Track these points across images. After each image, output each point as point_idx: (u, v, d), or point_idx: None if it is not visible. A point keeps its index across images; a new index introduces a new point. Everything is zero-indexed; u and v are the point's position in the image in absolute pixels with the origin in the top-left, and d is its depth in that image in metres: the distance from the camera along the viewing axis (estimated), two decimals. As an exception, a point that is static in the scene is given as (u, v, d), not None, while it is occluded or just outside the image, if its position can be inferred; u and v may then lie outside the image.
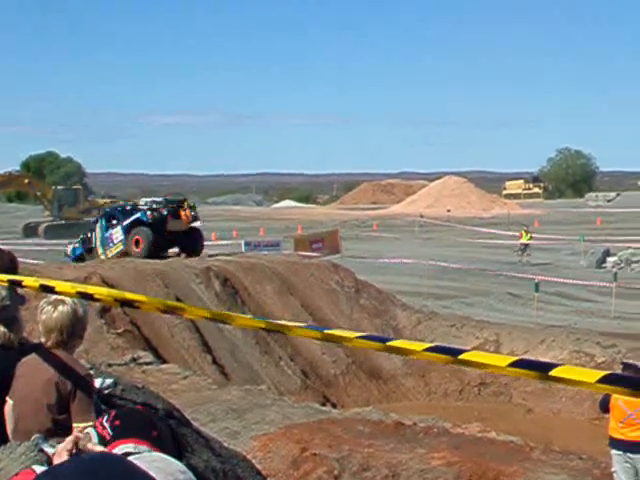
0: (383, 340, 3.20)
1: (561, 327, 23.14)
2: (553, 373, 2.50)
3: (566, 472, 10.72)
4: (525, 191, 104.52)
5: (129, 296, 4.09)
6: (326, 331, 3.36)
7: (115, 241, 26.88)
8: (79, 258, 27.33)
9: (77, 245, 28.68)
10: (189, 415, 6.81)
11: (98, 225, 27.73)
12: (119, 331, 17.79)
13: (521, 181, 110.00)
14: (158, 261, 23.53)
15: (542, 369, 2.58)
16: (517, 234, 41.51)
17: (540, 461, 11.33)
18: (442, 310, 25.98)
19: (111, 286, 17.35)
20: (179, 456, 3.09)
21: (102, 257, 26.58)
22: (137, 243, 25.96)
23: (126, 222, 26.69)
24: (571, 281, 30.32)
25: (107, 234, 27.10)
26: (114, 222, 27.25)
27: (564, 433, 15.80)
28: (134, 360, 16.00)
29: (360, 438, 12.00)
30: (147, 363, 16.05)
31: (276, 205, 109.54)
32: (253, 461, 6.23)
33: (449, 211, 76.05)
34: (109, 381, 5.35)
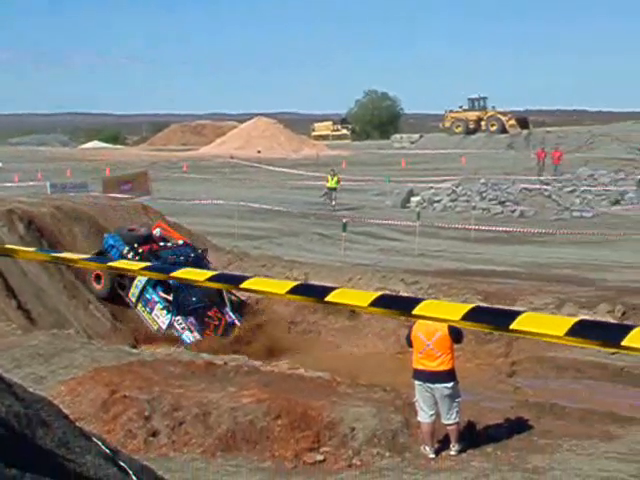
0: (235, 280, 3.25)
1: (368, 265, 23.83)
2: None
3: (371, 404, 11.15)
4: (333, 133, 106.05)
5: None
6: (173, 273, 3.35)
7: None
8: None
9: None
10: (-8, 361, 6.62)
11: None
12: None
13: (329, 123, 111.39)
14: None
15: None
16: (326, 176, 42.19)
17: (346, 395, 11.72)
18: (253, 251, 26.17)
19: None
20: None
21: None
22: None
23: None
24: (377, 221, 31.22)
25: None
26: None
27: (370, 367, 16.36)
28: None
29: (171, 379, 12.02)
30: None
31: (83, 146, 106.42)
32: (61, 405, 6.11)
33: (259, 152, 76.27)
34: None
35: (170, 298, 19.17)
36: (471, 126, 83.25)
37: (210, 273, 3.12)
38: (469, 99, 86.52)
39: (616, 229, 29.36)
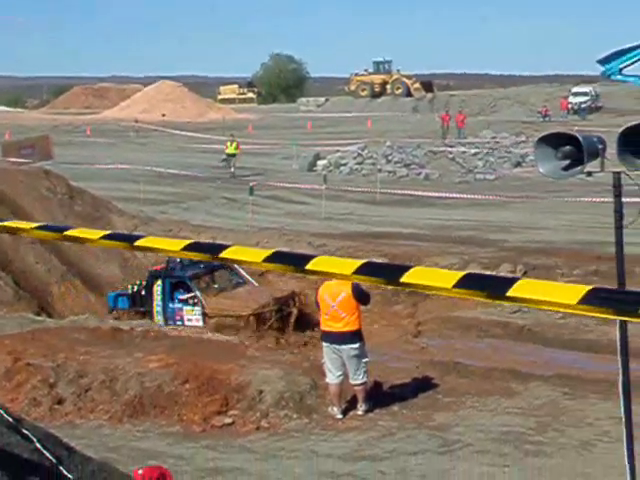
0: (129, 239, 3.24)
1: (275, 229, 23.84)
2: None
3: (279, 366, 11.22)
4: (239, 96, 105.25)
5: None
6: (67, 232, 3.30)
7: None
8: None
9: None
10: None
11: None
12: None
13: (235, 86, 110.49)
14: None
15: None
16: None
17: (255, 358, 11.78)
18: (159, 215, 25.92)
19: None
20: None
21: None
22: None
23: None
24: (284, 184, 31.22)
25: None
26: None
27: (279, 330, 16.41)
28: None
29: (76, 346, 11.88)
30: None
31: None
32: (-39, 375, 6.01)
33: (164, 116, 75.22)
34: None
35: (191, 294, 17.52)
36: (376, 89, 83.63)
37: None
38: (374, 62, 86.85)
39: (517, 191, 29.98)
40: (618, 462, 5.89)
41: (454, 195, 28.89)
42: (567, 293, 2.20)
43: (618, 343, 5.65)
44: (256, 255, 2.68)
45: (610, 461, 7.53)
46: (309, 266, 2.57)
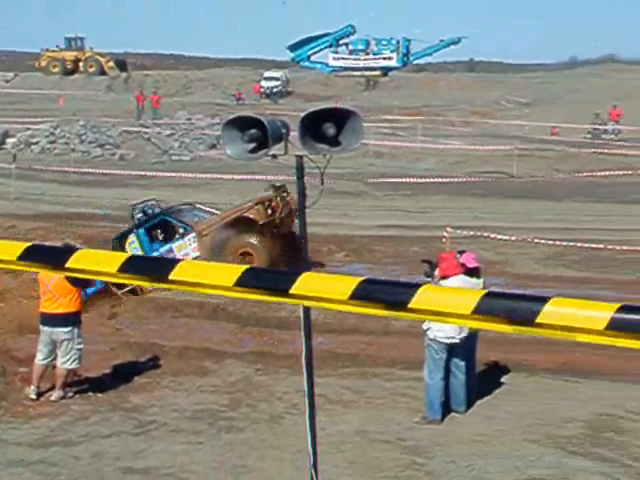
0: None
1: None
2: None
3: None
4: None
5: None
6: None
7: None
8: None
9: None
10: None
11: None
12: None
13: None
14: None
15: None
16: None
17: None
18: None
19: None
20: None
21: None
22: None
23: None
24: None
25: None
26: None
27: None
28: None
29: None
30: None
31: None
32: None
33: None
34: None
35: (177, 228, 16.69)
36: (69, 66, 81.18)
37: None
38: (66, 38, 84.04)
39: (212, 172, 30.38)
40: (304, 433, 6.21)
41: (150, 174, 28.76)
42: (224, 274, 2.24)
43: (302, 322, 5.94)
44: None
45: (298, 432, 7.90)
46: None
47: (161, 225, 17.02)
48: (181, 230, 16.90)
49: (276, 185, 17.37)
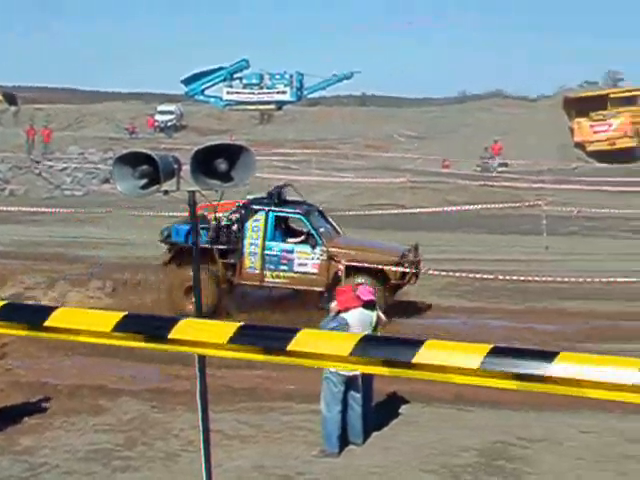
0: None
1: None
2: None
3: None
4: None
5: None
6: None
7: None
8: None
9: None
10: None
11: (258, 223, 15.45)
12: None
13: None
14: None
15: None
16: None
17: None
18: None
19: None
20: None
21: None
22: None
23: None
24: None
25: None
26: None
27: None
28: None
29: None
30: None
31: None
32: None
33: None
34: None
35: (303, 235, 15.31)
36: (-45, 100, 79.10)
37: None
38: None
39: (106, 207, 29.95)
40: (200, 470, 6.15)
41: (41, 210, 28.20)
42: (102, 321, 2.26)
43: (196, 358, 5.90)
44: None
45: (194, 470, 7.79)
46: None
47: (286, 223, 16.05)
48: (312, 238, 15.59)
49: (415, 246, 16.41)
